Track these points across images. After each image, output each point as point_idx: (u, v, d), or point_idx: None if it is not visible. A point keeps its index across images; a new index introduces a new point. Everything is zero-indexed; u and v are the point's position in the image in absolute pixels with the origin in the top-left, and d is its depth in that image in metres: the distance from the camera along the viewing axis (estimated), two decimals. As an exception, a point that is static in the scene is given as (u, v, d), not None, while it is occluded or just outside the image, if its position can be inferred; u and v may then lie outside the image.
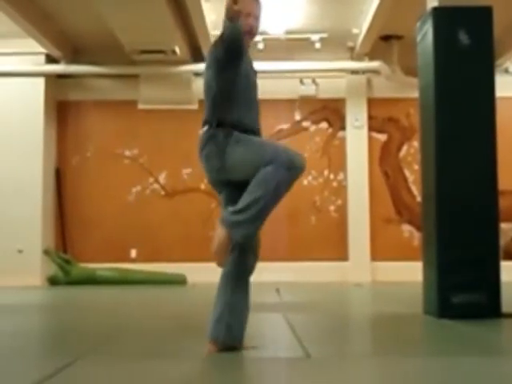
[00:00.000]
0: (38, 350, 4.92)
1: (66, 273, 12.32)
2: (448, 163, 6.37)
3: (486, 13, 6.51)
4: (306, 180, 13.35)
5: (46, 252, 12.49)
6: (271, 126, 13.04)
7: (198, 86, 13.48)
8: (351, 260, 13.16)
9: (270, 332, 5.73)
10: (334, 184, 13.51)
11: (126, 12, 10.53)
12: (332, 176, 13.52)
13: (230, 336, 4.29)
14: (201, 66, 13.19)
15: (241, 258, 4.34)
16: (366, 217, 13.23)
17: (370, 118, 13.52)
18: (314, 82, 13.49)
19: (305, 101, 13.50)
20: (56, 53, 12.85)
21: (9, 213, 12.57)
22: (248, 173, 4.19)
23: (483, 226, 6.31)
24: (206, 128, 4.40)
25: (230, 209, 4.17)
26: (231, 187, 4.38)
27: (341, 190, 13.46)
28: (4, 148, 12.81)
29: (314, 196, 13.41)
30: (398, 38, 12.57)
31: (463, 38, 6.39)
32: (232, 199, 4.31)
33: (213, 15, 11.34)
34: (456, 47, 6.41)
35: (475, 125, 6.41)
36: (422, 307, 6.71)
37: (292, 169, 4.13)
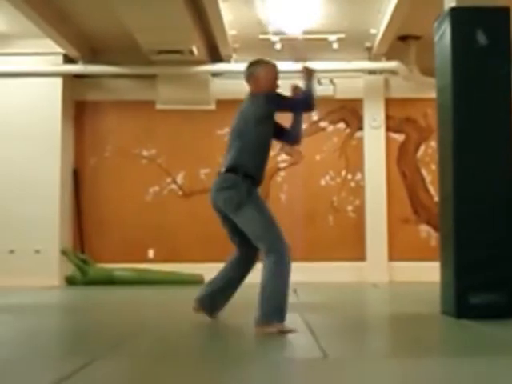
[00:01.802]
0: (55, 351, 4.94)
1: (83, 273, 12.35)
2: (466, 163, 6.36)
3: (503, 13, 6.49)
4: (323, 180, 13.35)
5: (64, 252, 12.51)
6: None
7: (216, 87, 13.51)
8: (369, 260, 13.14)
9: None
10: (352, 184, 13.49)
11: (143, 12, 10.54)
12: (350, 176, 13.49)
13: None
14: (218, 67, 13.38)
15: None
16: (384, 217, 13.21)
17: (388, 118, 13.49)
18: (331, 82, 13.46)
19: (322, 101, 13.41)
20: (74, 53, 12.88)
21: (27, 213, 12.60)
22: (245, 230, 5.56)
23: (501, 225, 6.28)
24: (228, 172, 5.51)
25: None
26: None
27: (358, 190, 13.44)
28: (22, 148, 12.82)
29: (331, 196, 13.39)
30: (416, 38, 12.53)
31: (481, 38, 6.37)
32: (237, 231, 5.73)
33: (230, 15, 11.35)
34: (474, 47, 6.40)
35: (493, 125, 6.40)
36: (440, 307, 6.69)
37: (288, 256, 5.31)
